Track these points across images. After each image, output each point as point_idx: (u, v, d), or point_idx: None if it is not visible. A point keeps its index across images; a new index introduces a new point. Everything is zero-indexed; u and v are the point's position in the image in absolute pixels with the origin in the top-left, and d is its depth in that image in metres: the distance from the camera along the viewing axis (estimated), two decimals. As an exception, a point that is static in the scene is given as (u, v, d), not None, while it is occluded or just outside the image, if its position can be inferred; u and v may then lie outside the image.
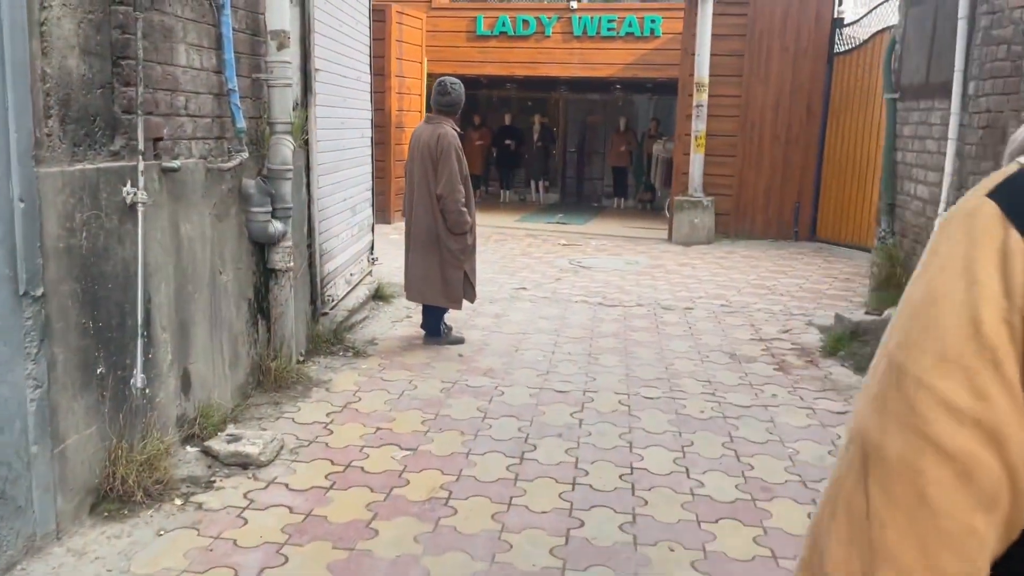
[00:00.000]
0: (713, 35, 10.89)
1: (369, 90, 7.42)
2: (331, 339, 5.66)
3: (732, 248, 10.98)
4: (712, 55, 10.93)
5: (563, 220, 14.88)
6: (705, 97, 10.96)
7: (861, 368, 5.58)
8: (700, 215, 11.08)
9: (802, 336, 6.54)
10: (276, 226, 4.57)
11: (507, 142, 17.78)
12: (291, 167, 4.68)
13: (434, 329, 6.01)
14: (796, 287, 8.49)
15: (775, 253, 10.60)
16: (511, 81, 18.16)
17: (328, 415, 4.45)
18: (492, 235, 12.15)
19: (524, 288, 8.21)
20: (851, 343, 5.98)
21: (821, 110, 11.08)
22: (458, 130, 5.80)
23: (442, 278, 5.76)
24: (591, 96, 18.59)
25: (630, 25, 14.44)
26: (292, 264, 4.76)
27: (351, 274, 6.68)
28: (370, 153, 7.54)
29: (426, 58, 13.60)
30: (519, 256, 10.28)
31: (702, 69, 10.88)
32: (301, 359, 5.21)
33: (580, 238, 12.14)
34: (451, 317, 6.69)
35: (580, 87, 18.52)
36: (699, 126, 11.01)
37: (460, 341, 6.07)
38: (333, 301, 5.97)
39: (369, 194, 7.56)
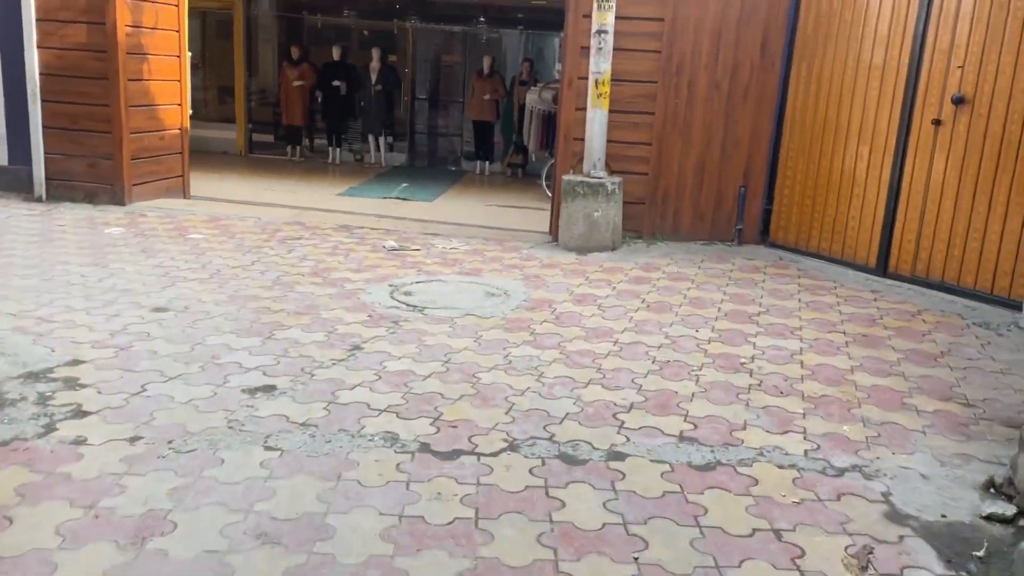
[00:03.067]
0: (626, -82, 6.66)
1: None
2: None
3: (650, 259, 6.91)
4: (623, -49, 6.70)
5: (404, 194, 10.47)
6: (611, 19, 6.74)
7: None
8: (602, 206, 6.93)
9: (916, 588, 2.53)
10: None
11: (335, 83, 13.06)
12: None
13: None
14: (792, 362, 4.50)
15: (717, 270, 6.62)
16: (340, 2, 13.35)
17: None
18: (283, 227, 7.58)
19: (272, 387, 3.81)
20: None
21: (783, 48, 7.09)
22: None
23: None
24: (448, 28, 14.02)
25: (496, -78, 10.00)
26: None
27: None
28: None
29: (185, -52, 8.65)
30: (306, 277, 5.83)
31: (608, -28, 6.63)
32: None
33: (421, 231, 7.77)
34: None
35: (433, 15, 13.92)
36: (601, 64, 6.79)
37: None
38: None
39: None
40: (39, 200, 8.02)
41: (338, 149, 13.43)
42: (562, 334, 4.84)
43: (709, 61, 7.10)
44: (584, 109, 7.02)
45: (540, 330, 4.90)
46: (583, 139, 7.09)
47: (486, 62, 12.96)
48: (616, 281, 6.12)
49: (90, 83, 7.85)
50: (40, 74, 7.81)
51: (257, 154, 13.71)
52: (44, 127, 7.91)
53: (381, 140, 13.55)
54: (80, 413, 3.41)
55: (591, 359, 4.43)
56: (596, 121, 6.88)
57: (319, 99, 13.33)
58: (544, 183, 10.76)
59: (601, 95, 6.82)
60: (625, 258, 6.87)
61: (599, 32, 6.72)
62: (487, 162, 13.29)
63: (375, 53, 13.18)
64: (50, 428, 3.25)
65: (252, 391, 3.75)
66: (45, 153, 7.96)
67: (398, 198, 10.21)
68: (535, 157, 12.60)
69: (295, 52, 13.11)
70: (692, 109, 7.16)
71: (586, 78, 6.95)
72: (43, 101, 7.85)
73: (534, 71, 13.13)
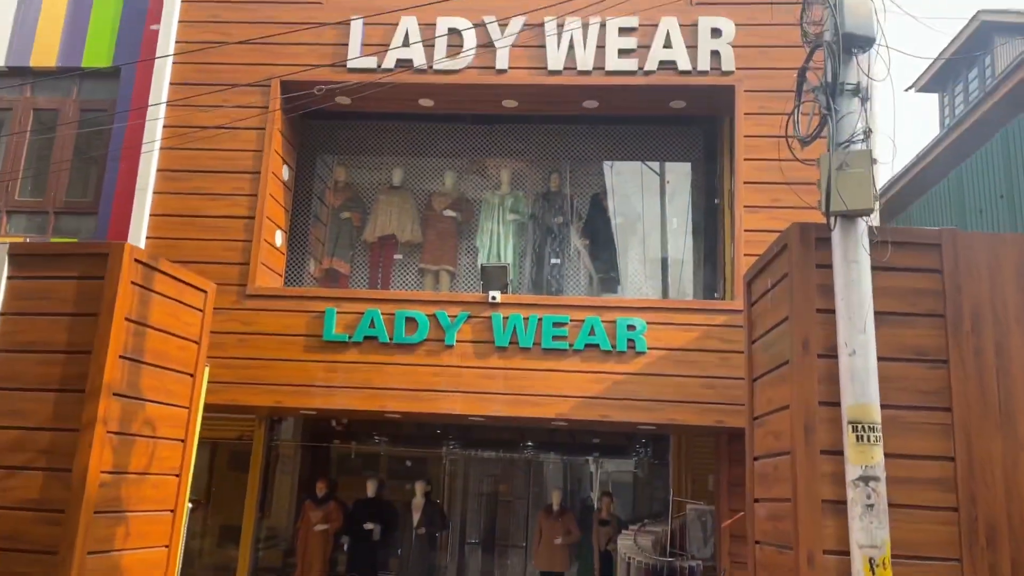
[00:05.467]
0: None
1: None
2: None
3: None
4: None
5: None
6: (880, 459, 4.11)
7: None
8: None
9: None
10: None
11: (368, 526, 10.10)
12: None
13: None
14: None
15: None
16: (384, 425, 11.04)
17: None
18: None
19: None
20: None
21: None
22: None
23: None
24: (507, 455, 11.54)
25: (591, 332, 8.03)
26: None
27: None
28: None
29: (207, 367, 6.38)
30: None
31: (865, 389, 4.17)
32: None
33: None
34: None
35: (487, 440, 11.54)
36: (876, 533, 3.98)
37: None
38: None
39: None
40: None
41: (363, 614, 9.99)
42: None
43: (1028, 521, 4.31)
44: (845, 608, 4.03)
45: None
46: (845, 660, 3.98)
47: (555, 497, 10.26)
48: None
49: (31, 560, 4.93)
50: (-51, 550, 4.92)
51: (258, 619, 10.20)
52: (-71, 638, 4.78)
53: (422, 599, 10.18)
54: None
55: None
56: (886, 635, 3.84)
57: (345, 546, 10.28)
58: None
59: (886, 587, 3.89)
60: None
61: (862, 480, 4.03)
62: (561, 625, 9.81)
63: (418, 487, 10.48)
64: None
65: None
66: None
67: None
68: (637, 625, 9.19)
69: (320, 488, 10.37)
70: (1026, 604, 4.17)
71: (840, 552, 4.09)
72: (-58, 595, 4.85)
73: (614, 507, 10.41)
